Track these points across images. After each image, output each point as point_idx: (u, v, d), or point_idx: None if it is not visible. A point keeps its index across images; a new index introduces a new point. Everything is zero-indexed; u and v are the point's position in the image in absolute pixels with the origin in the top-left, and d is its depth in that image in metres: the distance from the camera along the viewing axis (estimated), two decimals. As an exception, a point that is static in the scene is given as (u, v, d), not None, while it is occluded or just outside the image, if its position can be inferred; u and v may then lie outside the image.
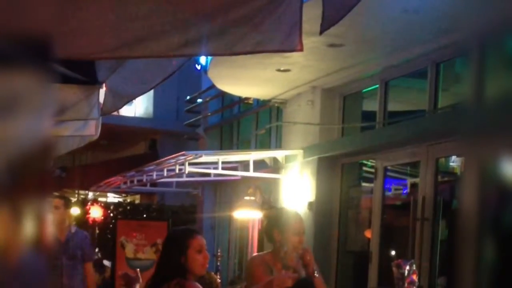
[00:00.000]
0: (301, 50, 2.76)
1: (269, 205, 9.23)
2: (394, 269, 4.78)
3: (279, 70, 8.13)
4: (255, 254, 4.43)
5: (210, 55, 3.44)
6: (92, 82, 4.62)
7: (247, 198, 8.68)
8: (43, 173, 1.29)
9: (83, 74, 4.53)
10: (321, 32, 2.71)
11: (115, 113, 13.92)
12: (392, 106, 8.27)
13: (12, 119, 1.23)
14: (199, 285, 3.69)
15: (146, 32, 2.76)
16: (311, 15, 2.65)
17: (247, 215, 8.86)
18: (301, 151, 9.15)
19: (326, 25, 2.68)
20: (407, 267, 4.74)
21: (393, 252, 8.09)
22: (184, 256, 3.68)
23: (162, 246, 3.93)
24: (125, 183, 11.93)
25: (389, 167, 8.20)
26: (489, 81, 1.07)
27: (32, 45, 1.28)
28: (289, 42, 2.79)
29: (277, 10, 2.76)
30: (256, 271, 4.22)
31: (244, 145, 12.15)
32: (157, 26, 2.75)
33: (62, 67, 4.11)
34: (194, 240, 3.76)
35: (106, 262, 10.07)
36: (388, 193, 8.57)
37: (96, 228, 14.82)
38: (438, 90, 7.24)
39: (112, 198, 18.50)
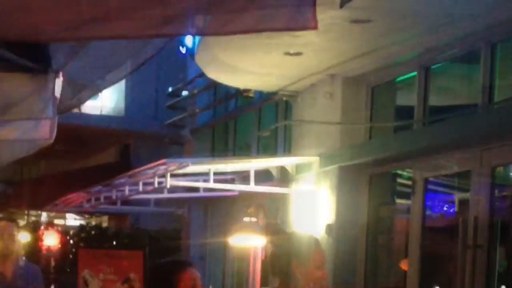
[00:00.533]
0: (315, 27, 2.78)
1: (275, 228, 9.23)
2: None
3: (288, 54, 8.14)
4: None
5: (198, 35, 3.45)
6: (45, 70, 4.64)
7: (246, 219, 8.69)
8: None
9: (33, 60, 4.54)
10: (342, 5, 2.73)
11: (76, 110, 13.97)
12: (434, 100, 8.28)
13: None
14: None
15: (114, 7, 2.78)
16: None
17: (247, 241, 8.86)
18: (317, 158, 9.17)
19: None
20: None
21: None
22: None
23: (151, 281, 3.93)
24: (88, 200, 11.95)
25: (431, 179, 8.21)
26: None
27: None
28: (300, 18, 2.81)
29: None
30: None
31: (243, 151, 12.18)
32: None
33: (5, 50, 4.12)
34: (186, 274, 3.76)
35: None
36: (430, 213, 8.58)
37: (52, 260, 14.85)
38: (494, 79, 7.25)
39: (73, 220, 18.56)
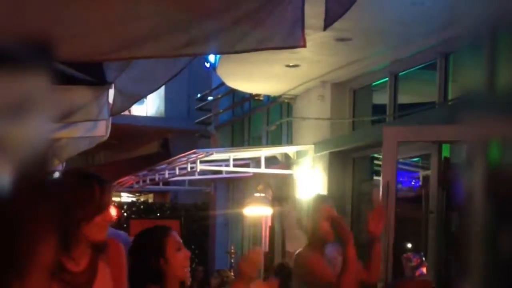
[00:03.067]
0: (304, 46, 2.78)
1: (280, 200, 9.25)
2: (404, 262, 4.81)
3: (288, 66, 8.15)
4: (299, 250, 4.19)
5: (213, 54, 3.44)
6: (101, 82, 4.65)
7: (257, 194, 8.71)
8: (43, 177, 1.31)
9: (91, 75, 4.57)
10: (325, 28, 2.73)
11: (126, 112, 13.92)
12: (402, 99, 8.27)
13: (17, 121, 1.24)
14: None
15: (148, 33, 2.79)
16: (319, 10, 2.68)
17: (258, 211, 8.90)
18: (312, 146, 9.17)
19: (329, 20, 2.70)
20: (417, 260, 4.77)
21: (408, 245, 8.11)
22: (163, 258, 3.16)
23: (132, 251, 3.28)
24: (137, 182, 11.99)
25: (400, 160, 8.20)
26: (501, 69, 1.09)
27: (33, 47, 1.30)
28: (292, 39, 2.81)
29: (279, 7, 2.79)
30: (317, 267, 4.02)
31: (256, 142, 12.18)
32: (160, 26, 2.76)
33: (70, 68, 4.14)
34: (171, 237, 3.24)
35: None
36: (401, 186, 8.57)
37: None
38: (447, 82, 7.24)
39: (126, 197, 18.61)
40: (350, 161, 8.96)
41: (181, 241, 3.30)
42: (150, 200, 18.09)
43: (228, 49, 3.02)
